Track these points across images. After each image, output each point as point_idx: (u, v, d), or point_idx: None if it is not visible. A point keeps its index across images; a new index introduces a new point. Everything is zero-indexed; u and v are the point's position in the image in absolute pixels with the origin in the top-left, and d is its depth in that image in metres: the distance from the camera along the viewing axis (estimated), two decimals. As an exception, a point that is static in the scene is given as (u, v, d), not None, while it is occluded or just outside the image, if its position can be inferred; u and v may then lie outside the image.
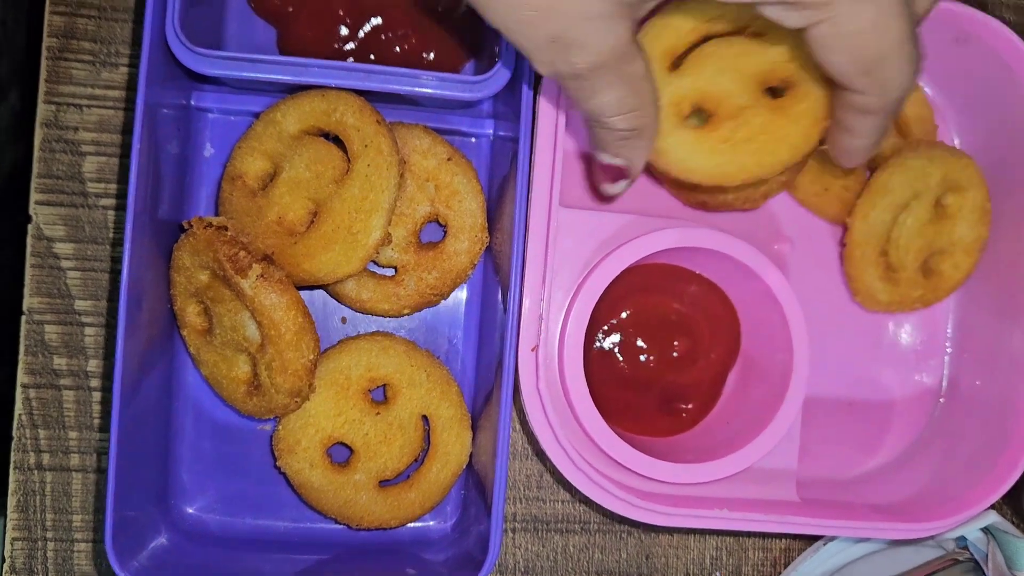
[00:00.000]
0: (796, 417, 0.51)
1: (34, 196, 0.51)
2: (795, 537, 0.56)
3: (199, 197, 0.51)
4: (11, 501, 0.50)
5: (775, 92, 0.45)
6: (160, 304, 0.47)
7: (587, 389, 0.48)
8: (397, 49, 0.51)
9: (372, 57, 0.50)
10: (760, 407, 0.51)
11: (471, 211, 0.49)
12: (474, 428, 0.50)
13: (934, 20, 0.51)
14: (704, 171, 0.44)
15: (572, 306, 0.48)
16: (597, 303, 0.49)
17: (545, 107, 0.46)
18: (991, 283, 0.55)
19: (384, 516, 0.49)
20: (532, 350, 0.46)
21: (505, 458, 0.45)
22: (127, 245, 0.42)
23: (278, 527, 0.51)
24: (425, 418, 0.49)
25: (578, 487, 0.47)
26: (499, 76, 0.45)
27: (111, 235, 0.51)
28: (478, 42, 0.51)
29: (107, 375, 0.51)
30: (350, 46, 0.50)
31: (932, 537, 0.53)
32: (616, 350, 0.53)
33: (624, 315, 0.53)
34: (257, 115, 0.48)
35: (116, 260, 0.51)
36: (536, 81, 0.46)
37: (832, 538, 0.55)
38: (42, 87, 0.51)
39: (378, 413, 0.48)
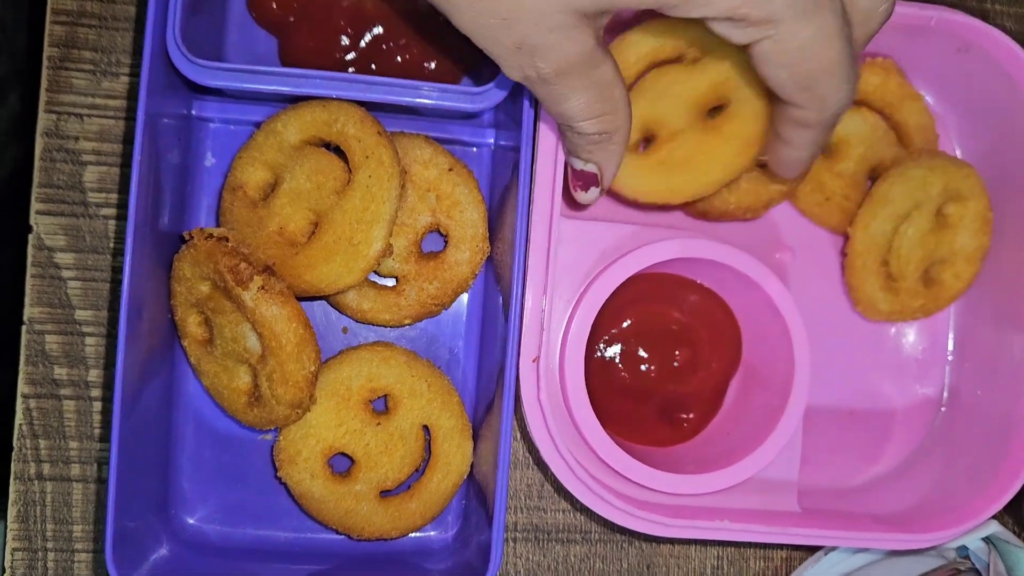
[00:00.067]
0: (797, 427, 0.51)
1: (35, 206, 0.51)
2: (796, 546, 0.56)
3: (200, 207, 0.51)
4: (11, 511, 0.50)
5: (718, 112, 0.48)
6: (161, 314, 0.47)
7: (588, 400, 0.48)
8: (398, 59, 0.51)
9: (373, 67, 0.50)
10: (761, 417, 0.51)
11: (472, 221, 0.49)
12: (475, 438, 0.50)
13: (936, 30, 0.51)
14: (647, 191, 0.47)
15: (573, 317, 0.48)
16: (598, 312, 0.49)
17: (546, 118, 0.46)
18: (992, 292, 0.55)
19: (385, 526, 0.49)
20: (533, 361, 0.46)
21: (506, 468, 0.45)
22: (128, 255, 0.42)
23: (279, 537, 0.51)
24: (426, 428, 0.49)
25: (578, 498, 0.47)
26: (500, 87, 0.46)
27: (112, 245, 0.51)
28: (479, 52, 0.51)
29: (108, 385, 0.51)
30: (351, 56, 0.50)
31: (934, 547, 0.53)
32: (617, 359, 0.53)
33: (625, 324, 0.53)
34: (258, 125, 0.48)
35: (117, 270, 0.51)
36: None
37: (834, 547, 0.55)
38: (43, 96, 0.51)
39: (379, 423, 0.48)
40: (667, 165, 0.47)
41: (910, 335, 0.57)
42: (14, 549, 0.50)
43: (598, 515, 0.48)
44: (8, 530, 0.50)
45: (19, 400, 0.50)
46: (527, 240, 0.46)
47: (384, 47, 0.50)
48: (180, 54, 0.44)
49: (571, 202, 0.50)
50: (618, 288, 0.49)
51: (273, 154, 0.47)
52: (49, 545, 0.50)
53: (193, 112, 0.50)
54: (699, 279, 0.54)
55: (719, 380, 0.54)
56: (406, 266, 0.49)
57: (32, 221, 0.51)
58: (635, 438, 0.53)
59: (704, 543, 0.56)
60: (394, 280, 0.50)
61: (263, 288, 0.43)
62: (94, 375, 0.51)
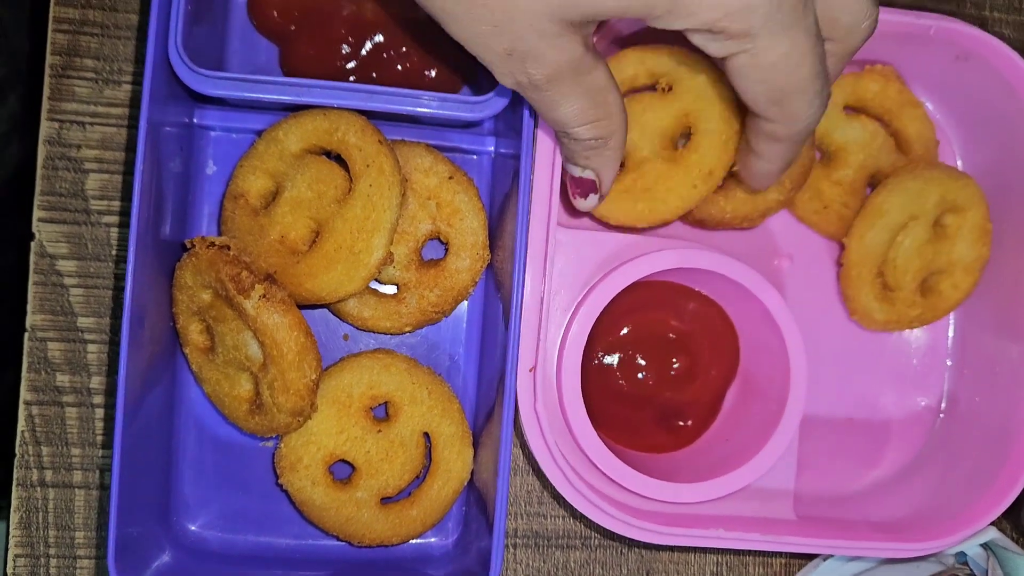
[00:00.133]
0: (794, 436, 0.51)
1: (37, 213, 0.51)
2: (795, 553, 0.56)
3: (201, 215, 0.51)
4: (14, 518, 0.50)
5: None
6: (162, 322, 0.48)
7: (585, 409, 0.48)
8: (398, 67, 0.51)
9: (374, 75, 0.51)
10: (759, 424, 0.52)
11: (472, 229, 0.50)
12: (475, 445, 0.50)
13: (935, 38, 0.51)
14: (615, 215, 0.49)
15: (571, 326, 0.49)
16: (597, 320, 0.49)
17: (543, 126, 0.47)
18: (992, 299, 0.55)
19: (386, 533, 0.49)
20: (530, 371, 0.46)
21: (507, 475, 0.45)
22: (130, 263, 0.43)
23: (280, 544, 0.51)
24: (427, 435, 0.50)
25: (575, 506, 0.47)
26: (500, 96, 0.46)
27: (114, 253, 0.51)
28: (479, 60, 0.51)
29: (110, 392, 0.51)
30: (352, 64, 0.51)
31: (932, 554, 0.53)
32: (615, 367, 0.53)
33: (623, 332, 0.53)
34: (259, 133, 0.49)
35: (119, 278, 0.51)
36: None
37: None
38: (45, 104, 0.51)
39: (380, 430, 0.49)
40: (631, 193, 0.49)
41: (909, 342, 0.57)
42: (16, 555, 0.50)
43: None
44: (10, 536, 0.50)
45: (21, 407, 0.51)
46: (526, 248, 0.46)
47: (385, 55, 0.51)
48: (182, 63, 0.44)
49: (571, 210, 0.51)
50: (616, 296, 0.49)
51: (274, 162, 0.48)
52: (51, 551, 0.51)
53: (195, 120, 0.51)
54: (697, 287, 0.54)
55: (717, 388, 0.54)
56: (407, 274, 0.50)
57: (34, 228, 0.51)
58: (633, 445, 0.54)
59: (703, 550, 0.56)
60: (395, 288, 0.51)
61: (264, 296, 0.43)
62: (96, 382, 0.51)
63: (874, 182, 0.55)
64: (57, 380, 0.51)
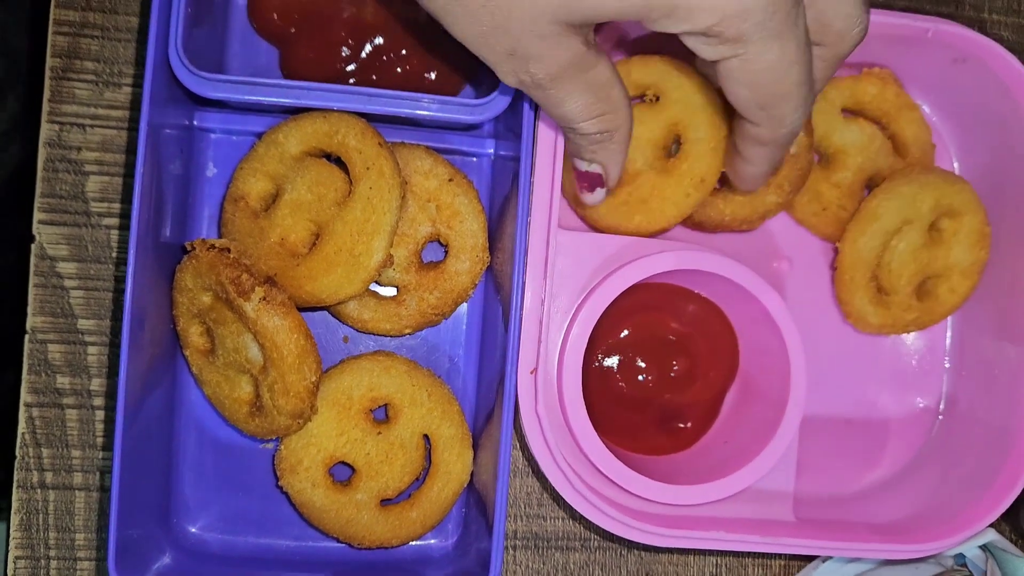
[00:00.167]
0: (794, 437, 0.51)
1: (37, 215, 0.51)
2: (794, 555, 0.57)
3: (201, 217, 0.51)
4: (14, 520, 0.50)
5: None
6: (163, 324, 0.48)
7: (585, 411, 0.48)
8: (398, 69, 0.51)
9: (374, 77, 0.51)
10: (758, 426, 0.52)
11: (472, 231, 0.50)
12: (475, 446, 0.50)
13: (933, 41, 0.51)
14: (613, 228, 0.51)
15: (571, 328, 0.49)
16: (597, 322, 0.49)
17: (544, 130, 0.47)
18: (990, 301, 0.55)
19: (386, 535, 0.49)
20: (531, 373, 0.46)
21: (506, 477, 0.46)
22: (130, 265, 0.43)
23: (280, 546, 0.51)
24: (426, 437, 0.50)
25: (576, 508, 0.48)
26: (500, 98, 0.46)
27: (114, 255, 0.51)
28: (479, 61, 0.52)
29: (110, 394, 0.51)
30: (352, 67, 0.51)
31: (931, 555, 0.54)
32: (615, 369, 0.53)
33: (623, 334, 0.53)
34: (259, 136, 0.49)
35: (119, 280, 0.51)
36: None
37: (831, 555, 0.55)
38: (45, 107, 0.51)
39: (380, 432, 0.49)
40: (628, 205, 0.50)
41: (907, 344, 0.57)
42: (17, 557, 0.50)
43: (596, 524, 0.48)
44: (11, 538, 0.50)
45: (22, 409, 0.51)
46: (526, 250, 0.46)
47: (385, 58, 0.51)
48: (182, 65, 0.44)
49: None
50: (616, 298, 0.49)
51: (274, 165, 0.48)
52: (52, 553, 0.51)
53: (195, 123, 0.51)
54: (697, 289, 0.54)
55: (717, 390, 0.54)
56: (406, 276, 0.50)
57: (35, 231, 0.51)
58: (633, 447, 0.54)
59: (703, 552, 0.56)
60: (395, 290, 0.51)
61: (264, 299, 0.43)
62: (96, 384, 0.51)
63: (872, 184, 0.55)
64: (57, 382, 0.51)
